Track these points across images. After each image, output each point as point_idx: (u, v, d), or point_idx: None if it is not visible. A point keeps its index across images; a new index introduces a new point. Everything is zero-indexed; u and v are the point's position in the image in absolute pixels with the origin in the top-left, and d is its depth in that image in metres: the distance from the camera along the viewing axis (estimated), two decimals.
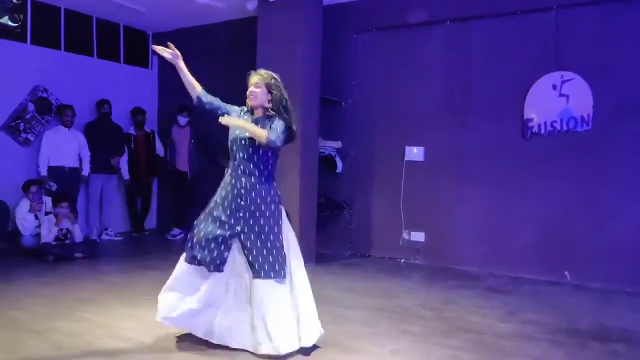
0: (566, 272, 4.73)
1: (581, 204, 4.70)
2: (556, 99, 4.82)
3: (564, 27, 4.76)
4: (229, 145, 2.93)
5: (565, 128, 4.80)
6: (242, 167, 2.86)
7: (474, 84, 5.20)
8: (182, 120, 6.55)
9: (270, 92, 2.89)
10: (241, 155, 2.86)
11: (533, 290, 4.42)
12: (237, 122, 2.82)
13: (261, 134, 2.74)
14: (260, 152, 2.83)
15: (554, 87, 4.84)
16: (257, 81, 2.89)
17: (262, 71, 2.96)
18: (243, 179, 2.85)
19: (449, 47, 5.33)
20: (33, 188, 5.58)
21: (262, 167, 2.86)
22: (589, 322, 3.56)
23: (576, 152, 4.73)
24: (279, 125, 2.80)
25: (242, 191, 2.84)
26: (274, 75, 2.94)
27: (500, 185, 5.07)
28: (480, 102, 5.17)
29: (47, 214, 5.54)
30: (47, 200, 5.66)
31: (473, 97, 5.21)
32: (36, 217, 5.55)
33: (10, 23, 5.90)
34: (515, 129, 5.00)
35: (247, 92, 2.92)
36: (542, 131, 4.89)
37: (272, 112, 2.87)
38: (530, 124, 4.94)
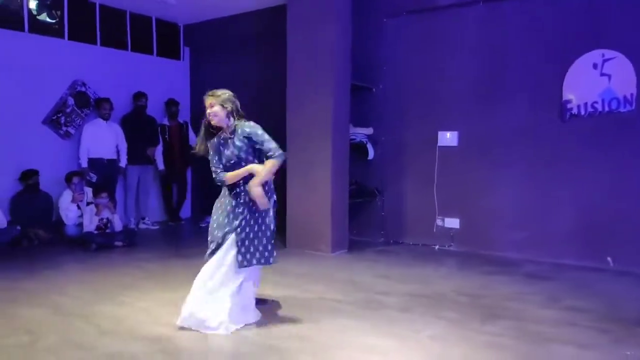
0: (609, 258, 4.58)
1: (623, 187, 4.53)
2: (597, 79, 4.64)
3: (604, 3, 4.57)
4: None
5: (607, 109, 4.62)
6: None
7: (509, 66, 5.05)
8: None
9: (224, 106, 3.06)
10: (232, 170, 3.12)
11: (574, 277, 4.30)
12: (257, 192, 3.03)
13: (270, 168, 3.03)
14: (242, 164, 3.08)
15: (595, 66, 4.65)
16: (211, 101, 3.08)
17: (212, 92, 3.12)
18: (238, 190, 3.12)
19: (482, 29, 5.19)
20: (75, 179, 5.77)
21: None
22: (635, 308, 3.45)
23: (619, 134, 4.55)
24: (263, 137, 3.06)
25: (240, 198, 3.11)
26: (223, 91, 3.13)
27: (538, 169, 4.94)
28: (516, 84, 5.02)
29: (88, 204, 5.73)
30: (88, 191, 5.85)
31: (508, 80, 5.06)
32: (78, 207, 5.74)
33: (48, 19, 6.08)
34: (553, 111, 4.85)
35: (207, 114, 3.10)
36: (582, 113, 4.72)
37: (235, 120, 3.09)
38: (569, 106, 4.78)
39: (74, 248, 5.37)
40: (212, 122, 3.11)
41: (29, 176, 5.67)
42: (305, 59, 5.21)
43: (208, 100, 3.08)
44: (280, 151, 3.04)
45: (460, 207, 5.36)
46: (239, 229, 3.05)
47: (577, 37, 4.70)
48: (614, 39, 4.53)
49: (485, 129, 5.20)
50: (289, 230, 5.40)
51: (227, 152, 3.09)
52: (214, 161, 3.18)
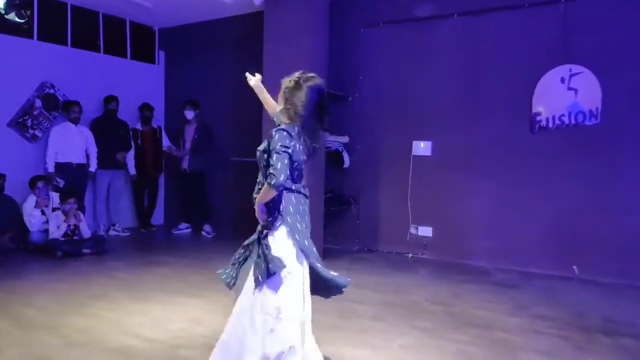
0: (574, 267, 4.71)
1: (590, 198, 4.67)
2: (564, 93, 4.78)
3: (573, 20, 4.72)
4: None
5: (573, 122, 4.76)
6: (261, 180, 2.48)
7: (482, 78, 5.16)
8: (189, 114, 6.51)
9: (285, 99, 2.49)
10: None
11: (542, 285, 4.40)
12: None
13: (260, 196, 2.41)
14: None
15: (562, 80, 4.80)
16: (280, 93, 2.51)
17: (286, 79, 2.54)
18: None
19: (457, 41, 5.29)
20: (39, 184, 5.60)
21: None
22: (598, 317, 3.54)
23: (585, 146, 4.69)
24: (274, 147, 2.32)
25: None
26: (293, 77, 2.52)
27: (508, 179, 5.05)
28: (488, 96, 5.13)
29: (54, 210, 5.57)
30: (55, 196, 5.69)
31: (481, 91, 5.17)
32: (43, 213, 5.58)
33: (17, 19, 5.91)
34: (523, 123, 4.97)
35: None
36: (550, 125, 4.85)
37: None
38: (538, 118, 4.90)
39: (40, 256, 5.21)
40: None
41: None
42: (281, 66, 5.18)
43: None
44: (274, 179, 2.29)
45: (433, 216, 5.43)
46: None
47: (548, 52, 4.83)
48: (581, 54, 4.68)
49: (458, 140, 5.29)
50: None
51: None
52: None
